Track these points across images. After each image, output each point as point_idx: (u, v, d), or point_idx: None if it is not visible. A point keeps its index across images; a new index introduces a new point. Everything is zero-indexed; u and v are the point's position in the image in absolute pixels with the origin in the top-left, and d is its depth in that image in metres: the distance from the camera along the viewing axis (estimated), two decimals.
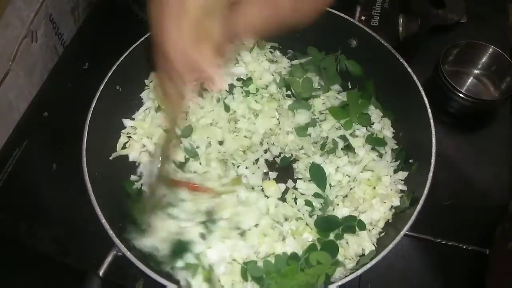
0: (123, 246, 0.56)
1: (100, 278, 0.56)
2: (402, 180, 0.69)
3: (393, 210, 0.67)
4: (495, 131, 0.83)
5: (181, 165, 0.71)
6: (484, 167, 0.78)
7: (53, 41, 0.90)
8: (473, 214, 0.73)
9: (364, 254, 0.63)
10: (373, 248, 0.63)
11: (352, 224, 0.65)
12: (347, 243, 0.64)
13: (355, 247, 0.63)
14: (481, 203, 0.74)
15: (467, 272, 0.69)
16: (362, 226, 0.65)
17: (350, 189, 0.69)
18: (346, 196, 0.69)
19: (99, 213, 0.58)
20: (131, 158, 0.73)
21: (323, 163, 0.71)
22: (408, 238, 0.70)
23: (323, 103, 0.78)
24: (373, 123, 0.76)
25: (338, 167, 0.71)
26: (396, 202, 0.67)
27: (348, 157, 0.72)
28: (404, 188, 0.68)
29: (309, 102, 0.78)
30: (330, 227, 0.65)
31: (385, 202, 0.67)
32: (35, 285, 0.68)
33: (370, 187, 0.69)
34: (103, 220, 0.58)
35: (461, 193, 0.76)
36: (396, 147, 0.73)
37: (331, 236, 0.64)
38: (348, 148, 0.73)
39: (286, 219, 0.67)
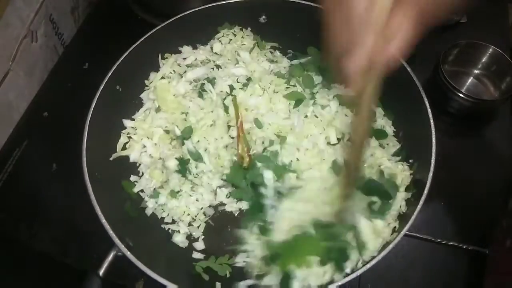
0: (123, 246, 0.56)
1: (100, 278, 0.56)
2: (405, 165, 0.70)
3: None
4: (495, 131, 0.83)
5: (182, 169, 0.71)
6: (484, 167, 0.78)
7: (53, 41, 0.90)
8: (473, 214, 0.73)
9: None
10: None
11: (389, 190, 0.65)
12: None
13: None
14: (481, 203, 0.74)
15: (467, 272, 0.69)
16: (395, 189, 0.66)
17: None
18: None
19: (99, 213, 0.58)
20: (131, 159, 0.73)
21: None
22: (408, 238, 0.70)
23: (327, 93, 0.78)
24: (375, 120, 0.76)
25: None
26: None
27: None
28: (408, 173, 0.68)
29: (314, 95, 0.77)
30: (373, 190, 0.66)
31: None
32: (35, 285, 0.68)
33: (373, 170, 0.69)
34: (103, 220, 0.58)
35: (461, 193, 0.76)
36: (398, 145, 0.73)
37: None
38: None
39: None
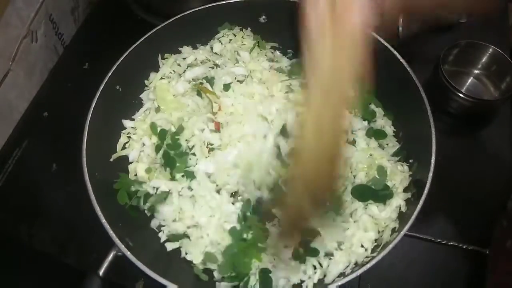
0: (123, 246, 0.56)
1: (100, 278, 0.56)
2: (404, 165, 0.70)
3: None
4: (495, 131, 0.83)
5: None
6: (484, 167, 0.78)
7: (53, 41, 0.90)
8: (473, 214, 0.73)
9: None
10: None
11: (385, 193, 0.66)
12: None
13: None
14: (481, 203, 0.74)
15: (467, 272, 0.69)
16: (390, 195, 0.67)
17: (354, 176, 0.70)
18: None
19: (99, 213, 0.58)
20: (131, 159, 0.73)
21: None
22: (408, 238, 0.70)
23: None
24: (375, 121, 0.76)
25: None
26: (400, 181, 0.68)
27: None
28: (407, 174, 0.68)
29: None
30: (366, 195, 0.67)
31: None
32: (35, 285, 0.68)
33: (371, 170, 0.69)
34: (103, 220, 0.58)
35: (461, 193, 0.76)
36: (398, 145, 0.73)
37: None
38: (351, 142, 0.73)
39: None
